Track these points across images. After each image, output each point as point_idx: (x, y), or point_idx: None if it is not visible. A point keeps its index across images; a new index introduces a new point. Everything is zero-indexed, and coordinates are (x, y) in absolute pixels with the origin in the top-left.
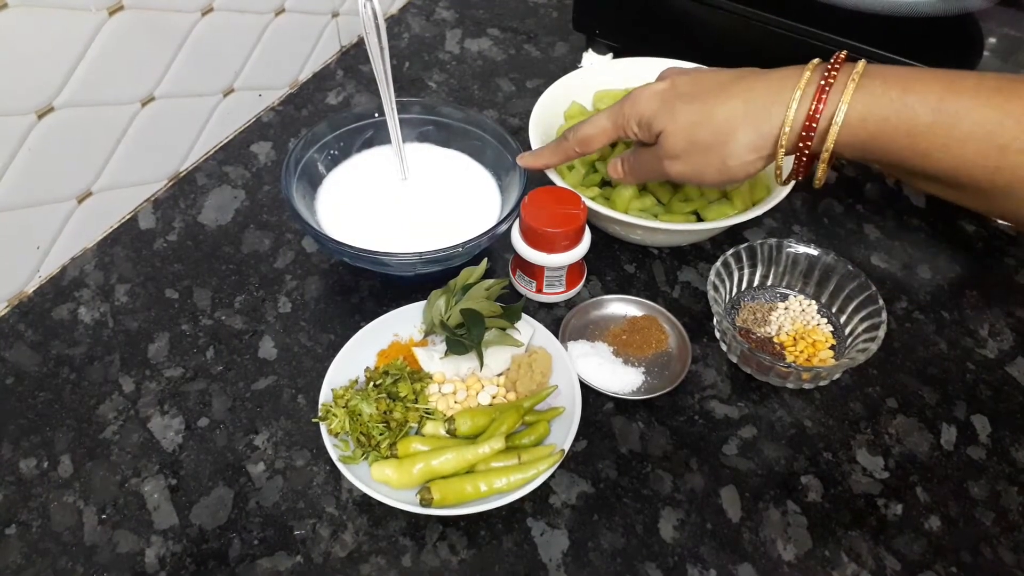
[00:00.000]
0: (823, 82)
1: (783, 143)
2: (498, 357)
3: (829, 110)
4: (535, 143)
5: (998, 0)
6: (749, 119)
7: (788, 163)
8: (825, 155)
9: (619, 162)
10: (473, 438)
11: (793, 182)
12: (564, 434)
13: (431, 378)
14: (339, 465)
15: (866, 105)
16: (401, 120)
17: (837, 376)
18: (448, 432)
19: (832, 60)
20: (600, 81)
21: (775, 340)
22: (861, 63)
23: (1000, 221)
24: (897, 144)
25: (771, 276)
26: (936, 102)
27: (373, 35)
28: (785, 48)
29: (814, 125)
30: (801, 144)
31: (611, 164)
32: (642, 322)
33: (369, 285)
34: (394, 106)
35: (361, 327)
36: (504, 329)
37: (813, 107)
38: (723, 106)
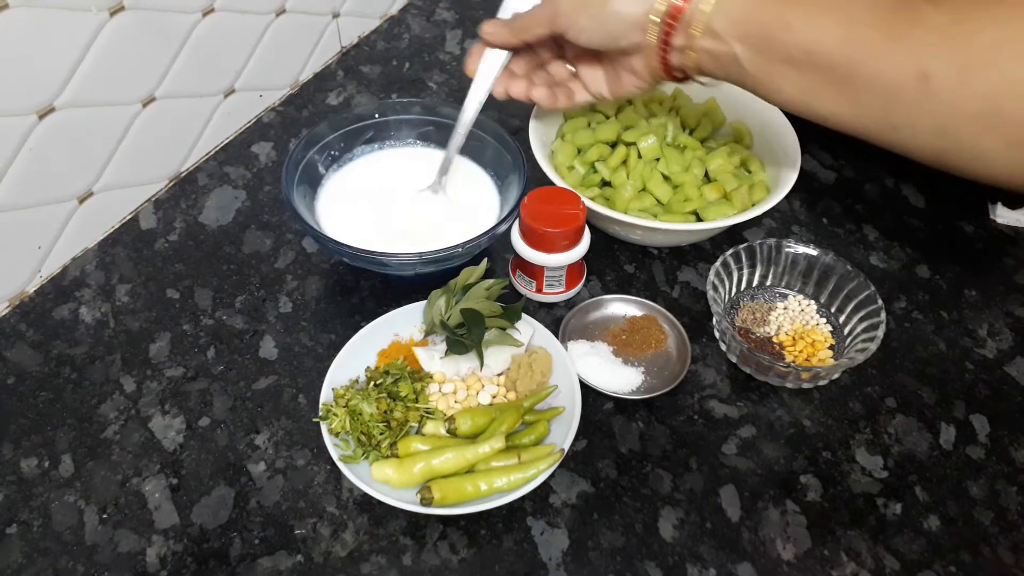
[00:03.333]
0: None
1: (653, 15)
2: (498, 357)
3: None
4: (535, 143)
5: None
6: None
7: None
8: (694, 32)
9: (500, 23)
10: (473, 437)
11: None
12: (564, 433)
13: (431, 378)
14: (340, 464)
15: None
16: (401, 120)
17: (836, 376)
18: (448, 431)
19: None
20: None
21: (774, 340)
22: None
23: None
24: (766, 16)
25: (770, 276)
26: None
27: (491, 76)
28: None
29: (680, 6)
30: (668, 24)
31: (486, 29)
32: (642, 322)
33: (369, 285)
34: (464, 131)
35: (361, 327)
36: (504, 329)
37: None
38: None
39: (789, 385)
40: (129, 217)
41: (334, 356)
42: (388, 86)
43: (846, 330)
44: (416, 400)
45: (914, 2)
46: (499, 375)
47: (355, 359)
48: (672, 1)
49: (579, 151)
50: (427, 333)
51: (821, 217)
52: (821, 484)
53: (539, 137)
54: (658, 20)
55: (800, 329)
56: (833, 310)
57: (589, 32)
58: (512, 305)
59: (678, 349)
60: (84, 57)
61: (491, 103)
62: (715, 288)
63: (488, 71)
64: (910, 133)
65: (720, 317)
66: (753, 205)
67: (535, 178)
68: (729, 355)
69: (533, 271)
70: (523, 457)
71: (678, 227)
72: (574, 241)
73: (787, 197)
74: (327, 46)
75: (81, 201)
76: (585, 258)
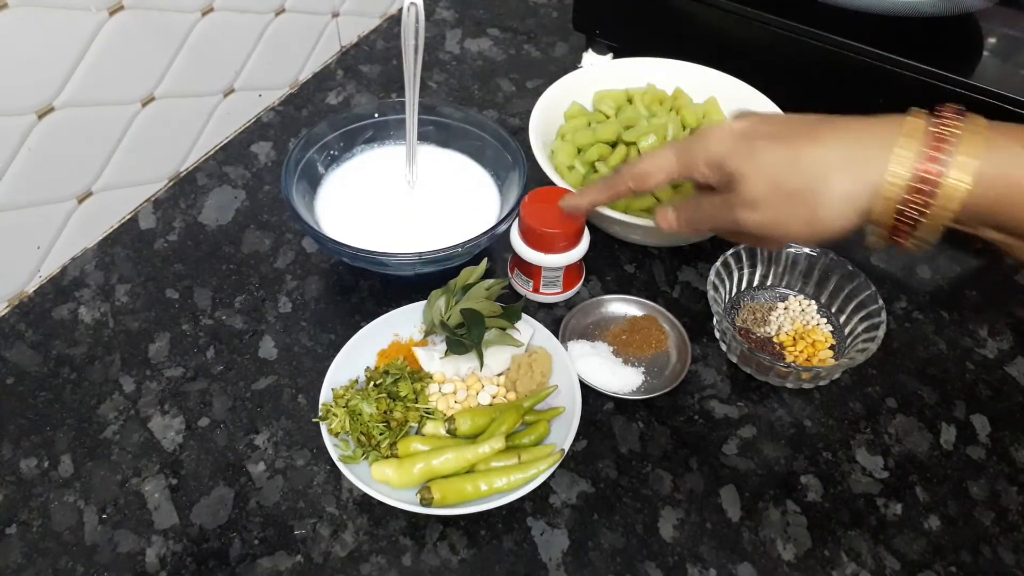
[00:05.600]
0: (935, 129)
1: (888, 195)
2: (498, 357)
3: (947, 163)
4: (535, 143)
5: (998, 0)
6: (847, 165)
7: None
8: (945, 213)
9: (671, 210)
10: (473, 438)
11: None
12: (564, 434)
13: (431, 378)
14: (339, 465)
15: (991, 161)
16: (401, 120)
17: (837, 376)
18: (448, 432)
19: (937, 109)
20: (600, 81)
21: (775, 340)
22: (971, 115)
23: None
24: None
25: (771, 276)
26: None
27: (411, 38)
28: (785, 48)
29: (928, 178)
30: (911, 202)
31: (660, 212)
32: (642, 322)
33: (369, 285)
34: (415, 109)
35: (361, 327)
36: (504, 329)
37: (928, 156)
38: (814, 148)
39: (789, 385)
40: (128, 217)
41: (334, 356)
42: (388, 86)
43: (846, 330)
44: (416, 400)
45: None
46: (499, 375)
47: (355, 359)
48: (913, 194)
49: (579, 151)
50: (427, 333)
51: None
52: (821, 484)
53: (539, 137)
54: (888, 224)
55: (800, 329)
56: (834, 310)
57: (794, 237)
58: (512, 305)
59: (678, 349)
60: (83, 57)
61: (491, 102)
62: (715, 288)
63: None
64: None
65: (720, 317)
66: None
67: (535, 178)
68: (729, 355)
69: (530, 271)
70: (523, 457)
71: None
72: (573, 242)
73: None
74: (326, 46)
75: (80, 201)
76: (585, 258)
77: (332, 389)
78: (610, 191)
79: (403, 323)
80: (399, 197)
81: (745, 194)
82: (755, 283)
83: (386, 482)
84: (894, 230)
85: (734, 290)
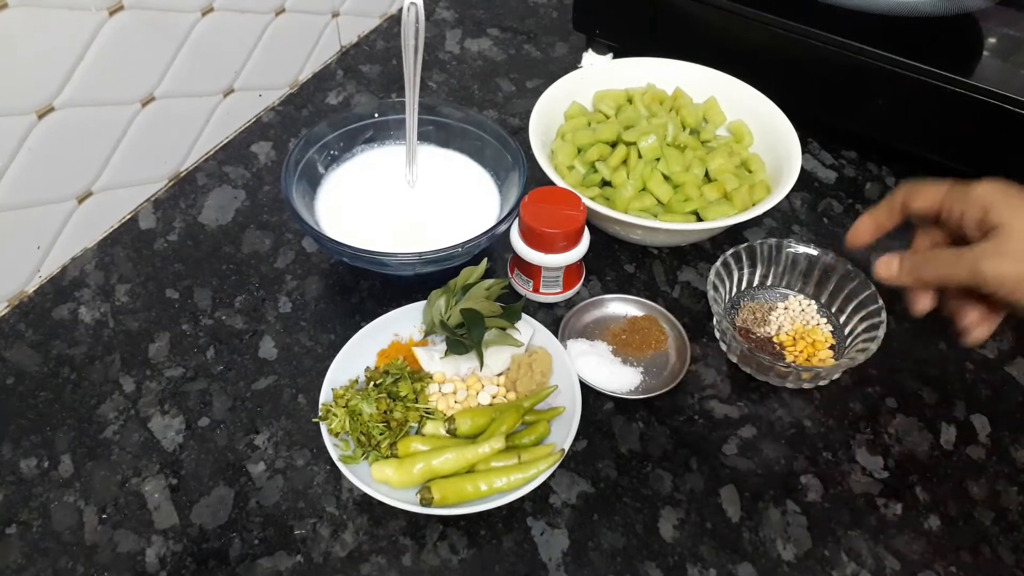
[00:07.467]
0: None
1: None
2: (498, 357)
3: None
4: (535, 143)
5: (998, 0)
6: None
7: None
8: None
9: (896, 260)
10: (473, 438)
11: None
12: (564, 434)
13: (431, 378)
14: (339, 465)
15: None
16: (401, 120)
17: (837, 376)
18: (448, 432)
19: None
20: (600, 81)
21: (775, 340)
22: None
23: None
24: None
25: (771, 276)
26: None
27: (411, 38)
28: (785, 48)
29: None
30: None
31: (883, 261)
32: (642, 322)
33: (369, 285)
34: (415, 108)
35: (361, 327)
36: (504, 329)
37: None
38: None
39: (789, 385)
40: (128, 217)
41: (334, 356)
42: (388, 86)
43: (847, 330)
44: (416, 400)
45: None
46: (499, 375)
47: (355, 359)
48: None
49: (579, 151)
50: (427, 333)
51: (822, 217)
52: (821, 484)
53: (539, 137)
54: None
55: (800, 329)
56: (834, 310)
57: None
58: (512, 305)
59: (678, 349)
60: (83, 56)
61: (491, 102)
62: (715, 288)
63: None
64: None
65: (720, 317)
66: (753, 205)
67: (535, 178)
68: (729, 355)
69: (530, 271)
70: (523, 457)
71: (678, 227)
72: (573, 242)
73: (787, 197)
74: (326, 45)
75: (80, 201)
76: (585, 258)
77: (332, 389)
78: (887, 207)
79: (403, 323)
80: (399, 197)
81: (1001, 244)
82: (755, 283)
83: (386, 482)
84: None
85: (734, 290)
